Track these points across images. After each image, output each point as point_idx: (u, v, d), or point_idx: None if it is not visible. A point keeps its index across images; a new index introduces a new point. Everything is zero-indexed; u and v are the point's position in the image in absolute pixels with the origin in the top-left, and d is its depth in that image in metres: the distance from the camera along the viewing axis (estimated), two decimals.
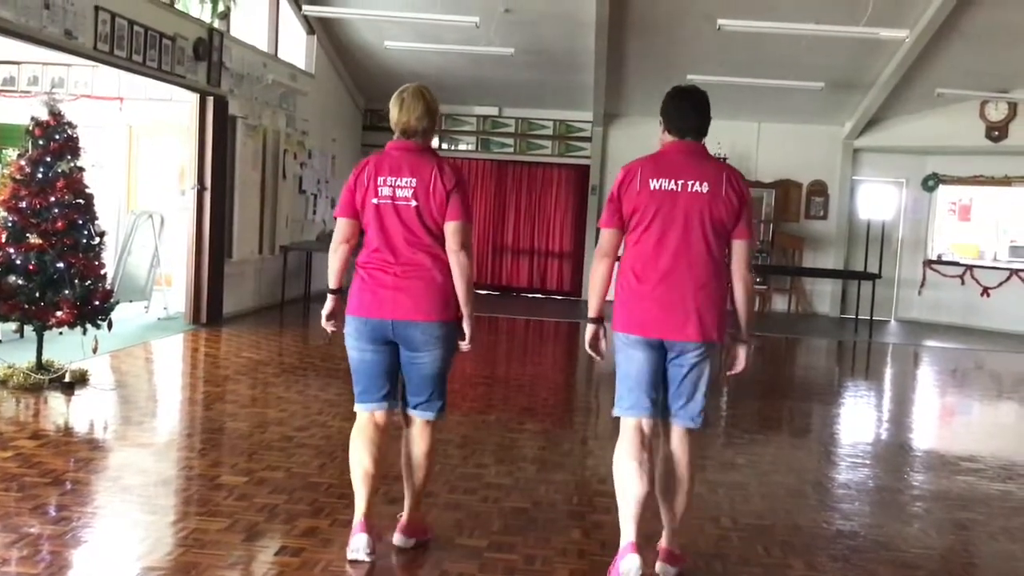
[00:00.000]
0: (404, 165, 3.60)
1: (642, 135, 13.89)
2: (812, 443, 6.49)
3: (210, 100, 9.20)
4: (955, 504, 4.98)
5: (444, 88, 13.64)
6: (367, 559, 3.58)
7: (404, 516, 3.82)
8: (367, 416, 3.69)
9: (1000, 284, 13.08)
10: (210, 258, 9.35)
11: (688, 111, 3.65)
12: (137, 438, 5.37)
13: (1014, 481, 5.41)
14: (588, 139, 14.22)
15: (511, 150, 14.59)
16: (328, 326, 3.82)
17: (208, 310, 9.42)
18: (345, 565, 3.58)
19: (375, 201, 3.58)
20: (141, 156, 11.06)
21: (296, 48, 11.91)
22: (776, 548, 4.03)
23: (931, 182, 13.95)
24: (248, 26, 10.37)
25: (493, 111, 14.45)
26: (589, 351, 3.74)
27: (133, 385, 6.98)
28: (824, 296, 14.31)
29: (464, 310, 3.67)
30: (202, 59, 8.92)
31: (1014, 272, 13.02)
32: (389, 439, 3.74)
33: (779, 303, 14.22)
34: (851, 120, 13.46)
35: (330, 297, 3.80)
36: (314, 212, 12.46)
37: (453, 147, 14.72)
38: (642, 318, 3.51)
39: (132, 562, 3.55)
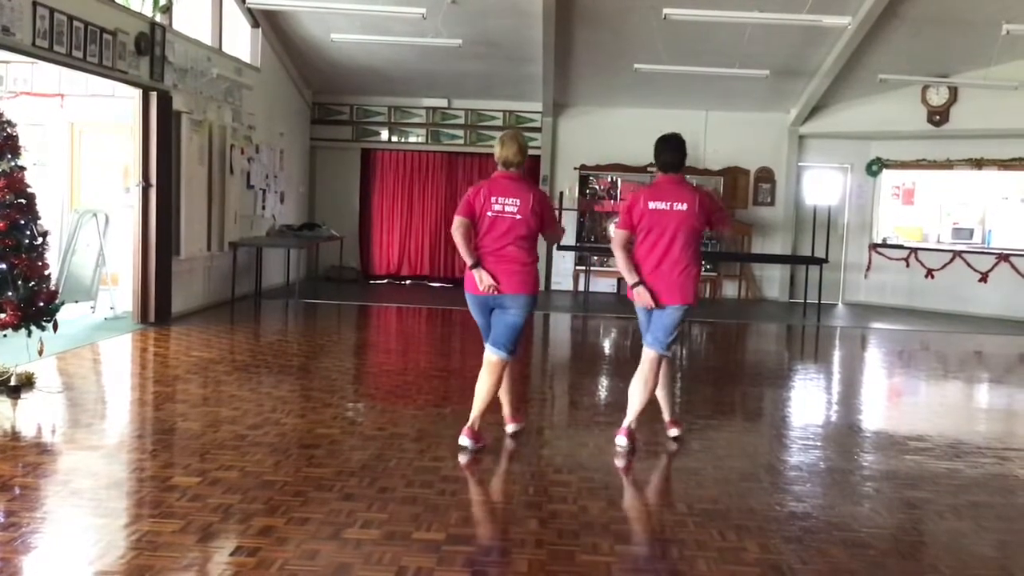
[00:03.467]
0: (510, 189, 5.26)
1: (591, 124, 14.03)
2: (764, 427, 6.58)
3: (153, 95, 9.05)
4: (904, 483, 5.08)
5: (392, 81, 13.61)
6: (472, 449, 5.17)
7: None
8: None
9: (944, 266, 13.35)
10: (157, 256, 9.21)
11: (668, 156, 5.48)
12: (86, 441, 5.28)
13: (961, 459, 5.53)
14: (538, 129, 14.23)
15: (461, 142, 14.56)
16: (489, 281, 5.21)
17: (156, 309, 9.28)
18: (302, 563, 3.57)
19: (490, 213, 5.20)
20: (84, 153, 10.84)
21: (241, 41, 11.75)
22: (731, 532, 4.08)
23: (875, 167, 14.19)
24: (191, 20, 10.20)
25: (442, 103, 14.40)
26: (644, 304, 5.39)
27: (81, 387, 6.86)
28: (773, 281, 14.50)
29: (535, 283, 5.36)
30: (144, 54, 8.77)
31: (957, 254, 13.30)
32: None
33: (729, 289, 14.38)
34: (796, 107, 13.64)
35: (477, 267, 5.21)
36: (263, 207, 12.32)
37: (403, 140, 14.65)
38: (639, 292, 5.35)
39: (84, 567, 3.50)
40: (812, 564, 3.77)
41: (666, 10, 8.91)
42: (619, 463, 5.26)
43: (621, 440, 5.41)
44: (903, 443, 5.87)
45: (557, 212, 13.84)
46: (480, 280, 5.19)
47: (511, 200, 5.23)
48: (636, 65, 11.44)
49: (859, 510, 4.63)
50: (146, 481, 4.59)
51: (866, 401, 7.82)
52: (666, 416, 5.73)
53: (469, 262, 5.22)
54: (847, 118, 13.63)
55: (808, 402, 7.57)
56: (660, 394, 5.62)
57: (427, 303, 12.54)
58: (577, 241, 14.06)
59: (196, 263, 10.27)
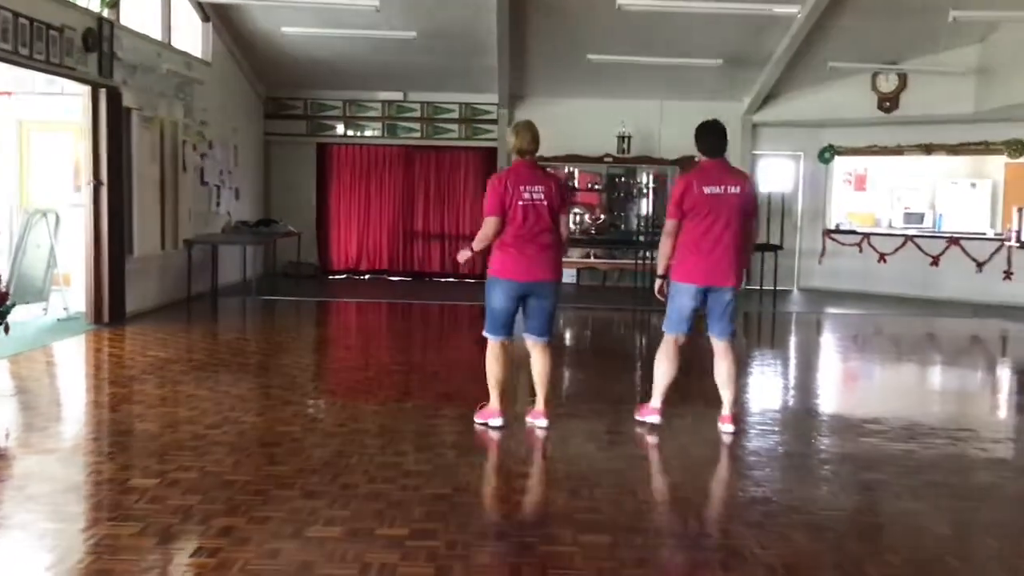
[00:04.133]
0: (535, 177, 5.41)
1: (547, 115, 13.94)
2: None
3: (103, 92, 8.90)
4: (861, 466, 5.17)
5: (347, 74, 13.52)
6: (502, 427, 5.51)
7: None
8: (501, 343, 5.53)
9: (896, 250, 13.56)
10: (110, 255, 9.08)
11: (713, 140, 5.65)
12: (41, 444, 5.20)
13: (916, 441, 5.63)
14: (494, 121, 14.21)
15: (418, 135, 14.49)
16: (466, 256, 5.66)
17: (110, 309, 9.15)
18: (264, 562, 3.54)
19: (521, 203, 5.33)
20: (33, 152, 10.66)
21: (191, 36, 11.59)
22: (692, 518, 4.12)
23: (827, 154, 14.36)
24: (139, 15, 10.03)
25: (398, 96, 14.32)
26: (659, 296, 5.71)
27: (34, 390, 6.74)
28: None
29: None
30: (92, 50, 8.62)
31: (908, 238, 13.52)
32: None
33: None
34: (749, 96, 13.74)
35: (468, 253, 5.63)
36: (218, 204, 12.18)
37: (359, 133, 14.56)
38: (698, 274, 5.47)
39: (41, 572, 3.45)
40: (773, 548, 3.81)
41: (620, 0, 8.93)
42: (725, 440, 5.48)
43: (727, 427, 5.58)
44: (859, 426, 5.96)
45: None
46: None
47: (538, 187, 5.37)
48: (590, 56, 11.47)
49: (818, 493, 4.70)
50: (103, 484, 4.52)
51: (822, 385, 7.94)
52: (725, 408, 5.73)
53: (476, 248, 5.52)
54: (799, 106, 13.78)
55: (766, 388, 7.66)
56: (726, 383, 5.69)
57: (387, 297, 12.49)
58: None
59: (150, 262, 10.12)
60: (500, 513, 4.15)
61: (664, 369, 5.71)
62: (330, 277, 14.58)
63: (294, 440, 5.26)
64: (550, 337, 5.59)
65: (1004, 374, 8.85)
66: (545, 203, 5.37)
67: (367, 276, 14.72)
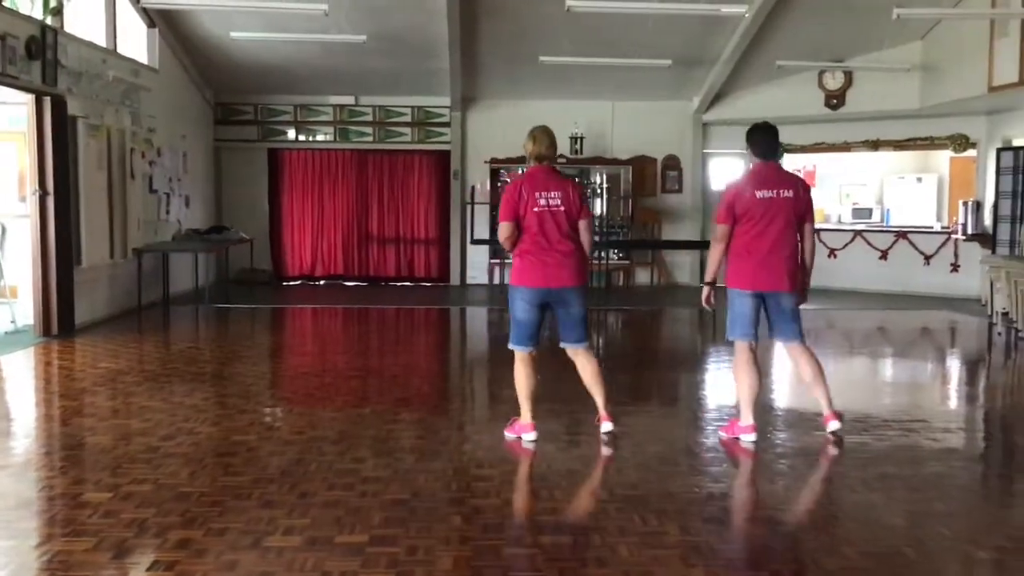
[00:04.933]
0: (551, 183, 5.31)
1: (500, 117, 14.02)
2: (680, 411, 6.71)
3: (47, 100, 8.74)
4: (816, 459, 5.23)
5: (297, 78, 13.42)
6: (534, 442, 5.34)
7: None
8: (527, 354, 5.39)
9: (845, 245, 13.77)
10: (58, 266, 8.91)
11: (766, 145, 5.58)
12: None
13: (869, 433, 5.71)
14: (447, 124, 14.20)
15: (370, 139, 14.44)
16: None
17: (59, 320, 8.98)
18: (222, 574, 3.50)
19: (536, 209, 5.24)
20: None
21: (137, 42, 11.42)
22: (652, 516, 4.14)
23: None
24: (84, 21, 9.87)
25: (349, 100, 14.25)
26: (705, 305, 5.64)
27: None
28: (684, 267, 14.76)
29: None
30: (36, 58, 8.46)
31: (857, 233, 13.73)
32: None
33: (642, 276, 14.59)
34: (699, 95, 13.88)
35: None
36: (167, 212, 12.01)
37: (311, 138, 14.46)
38: (752, 279, 5.36)
39: None
40: (731, 543, 3.85)
41: (569, 2, 8.97)
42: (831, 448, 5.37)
43: (834, 425, 5.47)
44: (813, 420, 6.02)
45: (469, 208, 13.86)
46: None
47: (554, 193, 5.27)
48: (542, 57, 11.51)
49: (774, 488, 4.76)
50: (56, 499, 4.44)
51: (776, 380, 8.01)
52: (824, 409, 5.57)
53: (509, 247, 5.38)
54: (748, 105, 13.94)
55: (721, 384, 7.72)
56: (814, 385, 5.56)
57: (343, 303, 12.42)
58: (490, 234, 14.08)
59: (99, 272, 9.96)
60: (461, 517, 4.14)
61: (746, 381, 5.46)
62: (284, 283, 14.46)
63: (250, 449, 5.21)
64: (588, 342, 5.51)
65: (954, 365, 9.02)
66: (563, 209, 5.27)
67: (322, 282, 14.62)
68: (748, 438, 5.38)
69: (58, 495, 4.49)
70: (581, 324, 5.43)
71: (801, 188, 5.47)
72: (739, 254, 5.42)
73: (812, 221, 5.52)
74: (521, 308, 5.37)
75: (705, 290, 5.58)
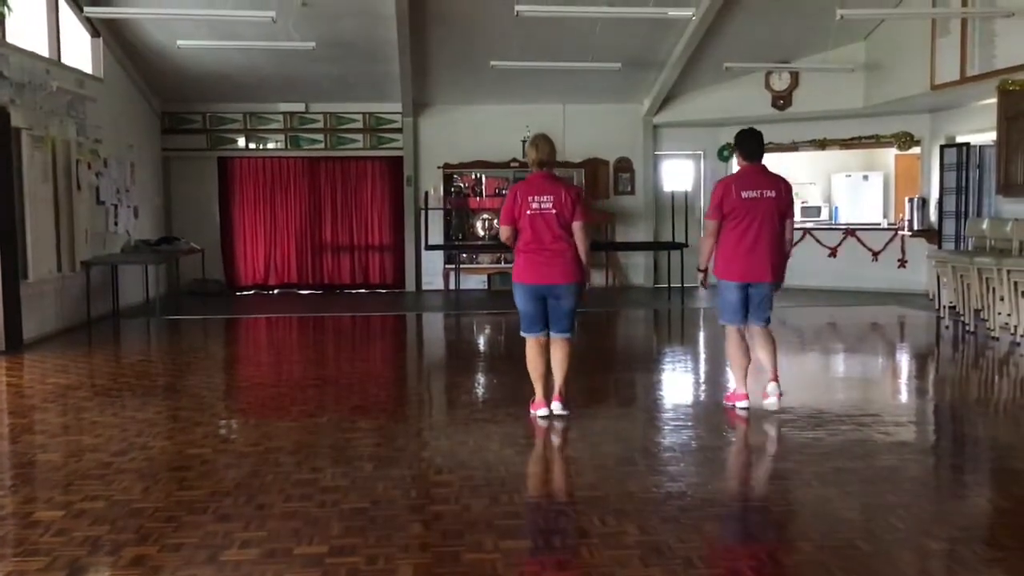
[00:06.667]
0: (544, 187, 5.79)
1: (452, 122, 14.04)
2: (637, 411, 6.75)
3: None
4: (771, 455, 5.29)
5: (246, 86, 13.30)
6: (548, 417, 5.96)
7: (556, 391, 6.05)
8: (535, 339, 5.96)
9: (795, 244, 13.90)
10: (3, 280, 8.74)
11: (753, 146, 6.14)
12: None
13: (823, 428, 5.79)
14: (399, 130, 14.16)
15: (322, 146, 14.35)
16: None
17: (6, 336, 8.81)
18: None
19: (529, 212, 5.75)
20: None
21: (81, 52, 11.24)
22: (611, 517, 4.16)
23: (726, 152, 14.68)
24: (26, 31, 9.69)
25: (300, 107, 14.16)
26: (703, 287, 6.47)
27: None
28: (638, 268, 14.86)
29: (585, 272, 5.96)
30: None
31: (807, 231, 13.92)
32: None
33: (597, 278, 14.62)
34: (649, 98, 14.00)
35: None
36: (115, 223, 11.83)
37: (261, 146, 14.33)
38: (740, 272, 6.05)
39: None
40: (690, 542, 3.88)
41: (518, 7, 8.99)
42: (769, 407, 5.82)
43: (773, 388, 6.19)
44: (768, 416, 6.11)
45: (423, 213, 13.82)
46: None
47: (546, 197, 5.75)
48: (492, 62, 11.52)
49: (731, 485, 4.81)
50: (7, 518, 4.34)
51: (731, 379, 8.09)
52: (769, 375, 6.26)
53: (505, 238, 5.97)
54: (697, 106, 14.09)
55: (677, 384, 7.79)
56: (765, 358, 6.22)
57: (297, 311, 12.32)
58: (445, 240, 14.06)
59: (46, 285, 9.78)
60: (421, 523, 4.13)
61: (737, 359, 6.25)
62: (237, 293, 14.32)
63: (205, 463, 5.14)
64: (570, 333, 6.00)
65: (903, 359, 9.18)
66: (553, 211, 5.74)
67: (276, 291, 14.50)
68: (741, 404, 6.18)
69: (9, 514, 4.40)
70: (567, 317, 5.95)
71: (783, 188, 6.12)
72: (728, 250, 6.09)
73: (792, 217, 6.27)
74: (521, 301, 5.96)
75: (699, 276, 6.41)
